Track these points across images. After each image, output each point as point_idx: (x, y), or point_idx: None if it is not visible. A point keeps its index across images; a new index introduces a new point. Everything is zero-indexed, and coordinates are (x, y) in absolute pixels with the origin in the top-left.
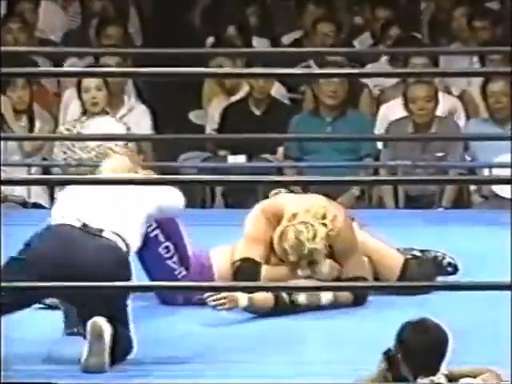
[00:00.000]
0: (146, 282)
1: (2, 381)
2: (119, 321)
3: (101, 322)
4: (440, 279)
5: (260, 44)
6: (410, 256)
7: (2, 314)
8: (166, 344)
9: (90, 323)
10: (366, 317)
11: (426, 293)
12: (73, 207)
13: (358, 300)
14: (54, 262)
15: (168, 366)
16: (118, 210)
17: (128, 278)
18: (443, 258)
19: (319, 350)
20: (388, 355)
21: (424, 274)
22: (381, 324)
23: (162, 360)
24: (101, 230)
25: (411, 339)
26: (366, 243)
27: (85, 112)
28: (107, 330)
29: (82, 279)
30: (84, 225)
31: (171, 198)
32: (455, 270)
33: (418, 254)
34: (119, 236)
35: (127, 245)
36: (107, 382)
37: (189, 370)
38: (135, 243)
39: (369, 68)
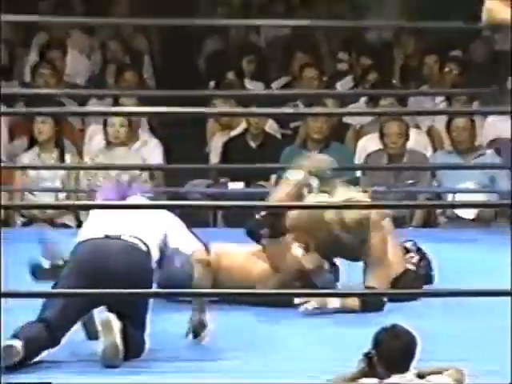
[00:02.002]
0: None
1: (1, 381)
2: (133, 320)
3: (110, 317)
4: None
5: (255, 87)
6: (410, 267)
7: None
8: (169, 342)
9: (100, 320)
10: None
11: (414, 300)
12: (100, 227)
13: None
14: (88, 272)
15: (169, 363)
16: (139, 225)
17: (147, 276)
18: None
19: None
20: (367, 356)
21: (414, 287)
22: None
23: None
24: (119, 235)
25: (385, 342)
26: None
27: (107, 144)
28: (116, 325)
29: (113, 280)
30: (106, 236)
31: (185, 244)
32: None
33: (415, 261)
34: (139, 239)
35: (147, 246)
36: (107, 382)
37: (189, 369)
38: (155, 252)
39: (350, 107)
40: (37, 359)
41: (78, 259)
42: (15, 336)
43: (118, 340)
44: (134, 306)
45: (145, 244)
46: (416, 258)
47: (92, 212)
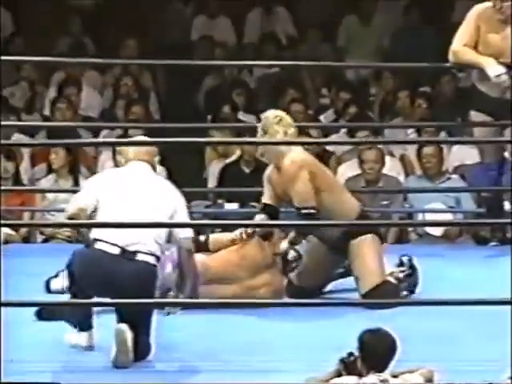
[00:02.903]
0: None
1: (2, 381)
2: (141, 328)
3: (124, 328)
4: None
5: (248, 119)
6: (390, 278)
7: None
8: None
9: (115, 329)
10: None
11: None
12: (112, 231)
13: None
14: (97, 284)
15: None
16: (150, 231)
17: (153, 292)
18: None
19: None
20: (350, 356)
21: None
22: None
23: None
24: (135, 253)
25: (369, 343)
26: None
27: None
28: (129, 335)
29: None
30: (123, 250)
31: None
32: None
33: (401, 276)
34: (151, 254)
35: (157, 257)
36: (108, 382)
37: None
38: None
39: (332, 138)
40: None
41: (91, 273)
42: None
43: (130, 348)
44: (142, 315)
45: (155, 255)
46: (405, 273)
47: (104, 197)
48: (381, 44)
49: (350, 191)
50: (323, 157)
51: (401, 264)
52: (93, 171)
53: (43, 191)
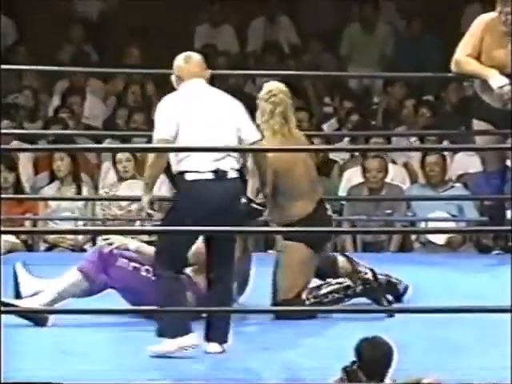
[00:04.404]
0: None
1: (2, 381)
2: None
3: None
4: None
5: None
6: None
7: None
8: None
9: None
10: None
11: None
12: (200, 157)
13: None
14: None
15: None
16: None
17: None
18: (398, 283)
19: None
20: (351, 365)
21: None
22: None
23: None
24: (225, 171)
25: (366, 352)
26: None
27: (120, 178)
28: None
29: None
30: (216, 171)
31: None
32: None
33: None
34: (236, 170)
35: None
36: (109, 382)
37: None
38: None
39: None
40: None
41: (193, 198)
42: None
43: None
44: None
45: (238, 170)
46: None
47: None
48: (384, 53)
49: (354, 199)
50: (326, 165)
51: (359, 277)
52: (95, 180)
53: (44, 199)
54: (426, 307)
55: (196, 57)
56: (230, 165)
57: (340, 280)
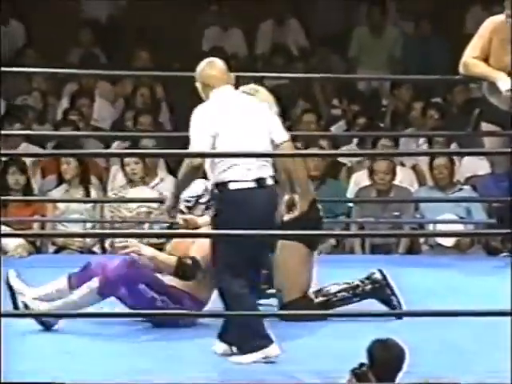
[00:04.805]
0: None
1: (2, 381)
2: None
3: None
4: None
5: None
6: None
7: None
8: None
9: None
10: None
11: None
12: (240, 166)
13: None
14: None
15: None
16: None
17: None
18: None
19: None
20: (361, 367)
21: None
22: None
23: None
24: (264, 179)
25: (378, 353)
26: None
27: (129, 181)
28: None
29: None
30: (257, 179)
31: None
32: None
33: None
34: (271, 177)
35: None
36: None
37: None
38: None
39: (344, 149)
40: None
41: (238, 208)
42: None
43: None
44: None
45: (272, 177)
46: (370, 286)
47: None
48: (392, 55)
49: (362, 201)
50: (334, 168)
51: (368, 277)
52: (103, 182)
53: (55, 201)
54: (427, 310)
55: (220, 63)
56: (268, 172)
57: (348, 281)
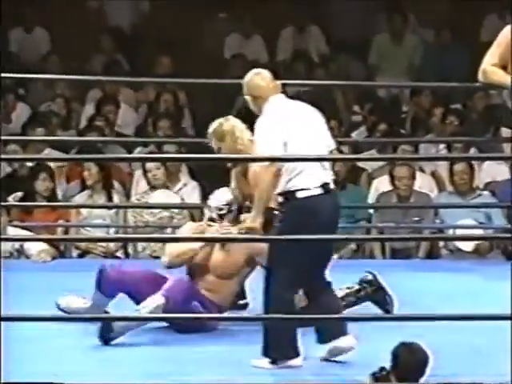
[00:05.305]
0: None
1: (2, 381)
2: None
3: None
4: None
5: None
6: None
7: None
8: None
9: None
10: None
11: None
12: (306, 169)
13: None
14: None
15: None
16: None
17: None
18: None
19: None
20: (379, 372)
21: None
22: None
23: None
24: (328, 184)
25: (403, 356)
26: None
27: (151, 186)
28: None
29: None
30: (323, 185)
31: None
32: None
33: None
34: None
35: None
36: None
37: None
38: None
39: (364, 154)
40: None
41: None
42: None
43: None
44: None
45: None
46: (364, 291)
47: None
48: (412, 62)
49: (382, 207)
50: (354, 173)
51: (365, 281)
52: (127, 188)
53: (79, 206)
54: (442, 315)
55: (267, 73)
56: (330, 176)
57: (349, 285)
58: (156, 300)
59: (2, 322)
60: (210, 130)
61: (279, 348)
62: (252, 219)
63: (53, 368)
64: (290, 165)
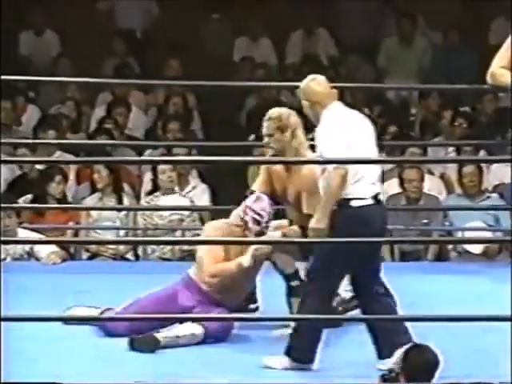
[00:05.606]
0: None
1: (2, 381)
2: None
3: None
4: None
5: None
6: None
7: None
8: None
9: None
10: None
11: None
12: (365, 177)
13: None
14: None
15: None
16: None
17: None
18: None
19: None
20: (388, 373)
21: None
22: None
23: None
24: (379, 194)
25: (413, 357)
26: None
27: (161, 189)
28: None
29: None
30: (375, 196)
31: None
32: None
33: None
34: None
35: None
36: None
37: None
38: None
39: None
40: None
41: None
42: None
43: None
44: None
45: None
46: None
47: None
48: (421, 65)
49: (392, 209)
50: None
51: None
52: (136, 190)
53: (89, 209)
54: (452, 316)
55: (323, 78)
56: (381, 188)
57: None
58: (195, 330)
59: (3, 323)
60: (274, 113)
61: (302, 350)
62: (316, 221)
63: (53, 368)
64: (351, 171)
